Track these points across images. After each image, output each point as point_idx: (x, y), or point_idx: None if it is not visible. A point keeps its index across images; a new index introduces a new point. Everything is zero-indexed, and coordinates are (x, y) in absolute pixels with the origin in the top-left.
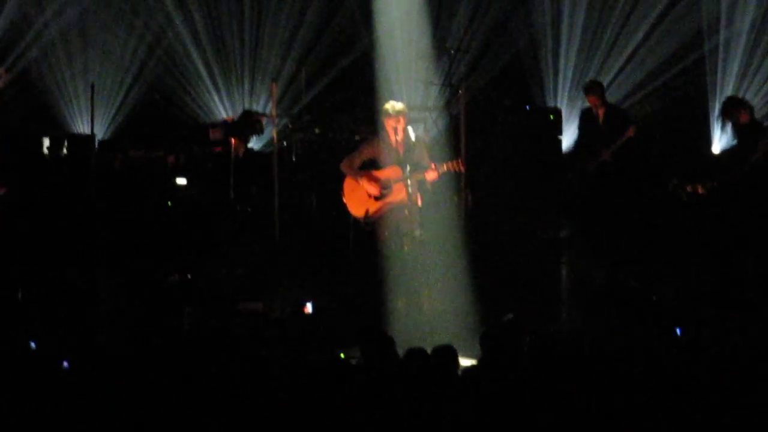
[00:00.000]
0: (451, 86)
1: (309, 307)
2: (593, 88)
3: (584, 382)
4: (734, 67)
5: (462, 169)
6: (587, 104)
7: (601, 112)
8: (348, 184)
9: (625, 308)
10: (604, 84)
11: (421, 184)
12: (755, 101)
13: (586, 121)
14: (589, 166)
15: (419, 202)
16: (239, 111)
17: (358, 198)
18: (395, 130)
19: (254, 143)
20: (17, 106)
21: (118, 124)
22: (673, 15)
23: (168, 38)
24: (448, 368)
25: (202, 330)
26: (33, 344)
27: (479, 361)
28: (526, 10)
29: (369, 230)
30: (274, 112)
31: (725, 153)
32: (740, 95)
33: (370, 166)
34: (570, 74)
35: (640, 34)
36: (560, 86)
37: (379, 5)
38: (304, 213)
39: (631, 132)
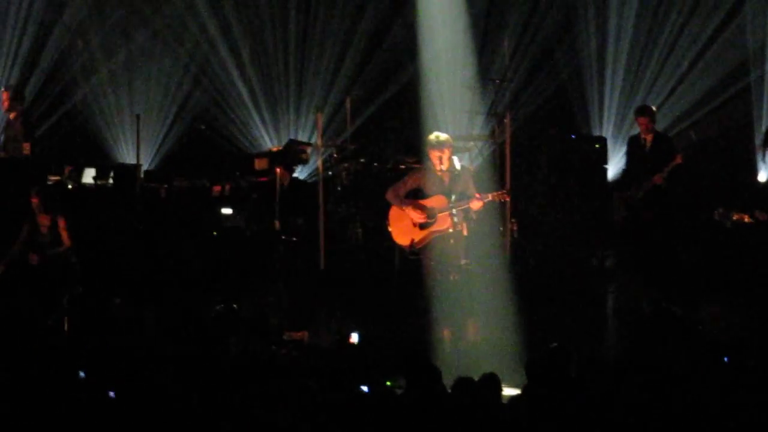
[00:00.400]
0: (495, 116)
1: (354, 337)
2: (645, 111)
3: (631, 408)
4: None
5: (507, 198)
6: (634, 132)
7: (648, 138)
8: (393, 212)
9: (672, 336)
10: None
11: (466, 213)
12: None
13: (633, 147)
14: (636, 193)
15: (465, 231)
16: (284, 141)
17: (403, 227)
18: (440, 159)
19: (299, 173)
20: (64, 138)
21: (164, 154)
22: (719, 44)
23: (213, 68)
24: (493, 397)
25: (248, 359)
26: (82, 374)
27: (524, 390)
28: (571, 39)
29: (414, 259)
30: (319, 142)
31: None
32: None
33: (415, 196)
34: (615, 103)
35: (686, 63)
36: (605, 115)
37: (424, 35)
38: (349, 242)
39: (679, 159)
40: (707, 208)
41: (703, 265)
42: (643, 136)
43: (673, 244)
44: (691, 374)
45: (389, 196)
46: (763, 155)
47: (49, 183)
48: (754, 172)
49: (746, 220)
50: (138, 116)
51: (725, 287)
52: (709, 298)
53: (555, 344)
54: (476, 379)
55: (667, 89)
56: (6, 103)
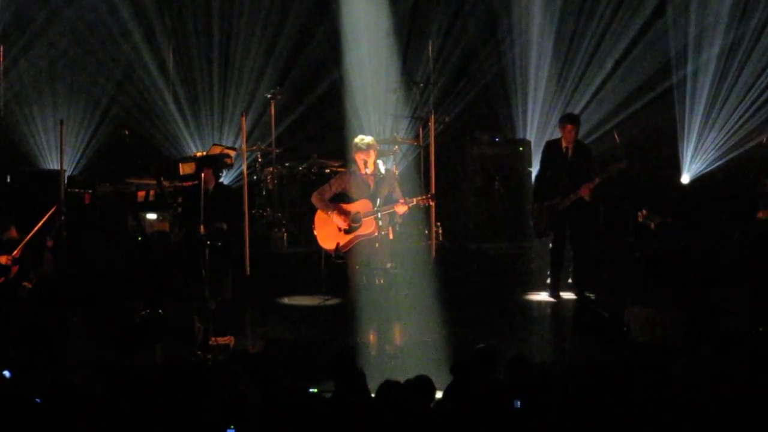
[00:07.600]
0: (420, 119)
1: (272, 341)
2: (577, 119)
3: (557, 409)
4: (703, 97)
5: (432, 203)
6: (552, 137)
7: (571, 147)
8: (319, 217)
9: (596, 338)
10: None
11: (391, 217)
12: (724, 129)
13: (553, 154)
14: (560, 204)
15: (390, 235)
16: (209, 145)
17: (328, 231)
18: (365, 163)
19: (224, 177)
20: None
21: (88, 160)
22: (642, 46)
23: (136, 73)
24: (423, 400)
25: (174, 365)
26: (8, 373)
27: (446, 391)
28: (495, 42)
29: (340, 263)
30: (244, 146)
31: None
32: (708, 125)
33: (341, 199)
34: (539, 106)
35: (609, 65)
36: (529, 118)
37: (348, 39)
38: (274, 246)
39: (614, 168)
40: (632, 210)
41: (628, 267)
42: (565, 144)
43: (598, 249)
44: (617, 376)
45: (315, 200)
46: None
47: None
48: (679, 174)
49: (670, 221)
50: (61, 121)
51: (652, 289)
52: (636, 300)
53: (481, 345)
54: (402, 382)
55: (590, 91)
56: None
